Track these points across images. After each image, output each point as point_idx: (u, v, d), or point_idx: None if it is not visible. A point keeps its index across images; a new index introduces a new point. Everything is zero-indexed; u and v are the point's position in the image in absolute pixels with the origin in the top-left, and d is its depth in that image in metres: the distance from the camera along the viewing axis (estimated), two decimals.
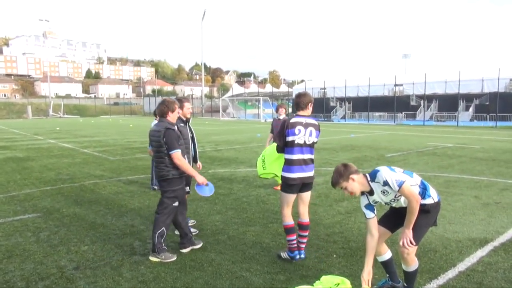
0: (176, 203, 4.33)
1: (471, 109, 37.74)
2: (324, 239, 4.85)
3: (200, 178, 4.38)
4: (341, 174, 3.17)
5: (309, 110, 4.19)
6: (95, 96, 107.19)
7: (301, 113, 4.18)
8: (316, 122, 4.22)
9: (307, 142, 4.11)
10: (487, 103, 35.94)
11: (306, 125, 4.11)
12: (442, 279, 3.72)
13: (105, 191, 7.63)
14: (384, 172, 3.10)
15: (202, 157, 11.81)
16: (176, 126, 4.49)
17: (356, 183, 3.16)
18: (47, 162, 11.67)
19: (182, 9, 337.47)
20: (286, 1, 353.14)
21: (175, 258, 4.22)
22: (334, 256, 4.31)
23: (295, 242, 4.16)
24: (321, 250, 4.49)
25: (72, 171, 10.02)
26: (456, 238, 4.83)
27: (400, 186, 3.02)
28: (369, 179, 3.18)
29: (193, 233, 5.00)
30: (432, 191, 3.24)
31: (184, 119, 5.18)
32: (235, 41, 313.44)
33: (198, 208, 6.31)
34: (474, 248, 4.52)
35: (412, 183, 3.13)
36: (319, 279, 3.38)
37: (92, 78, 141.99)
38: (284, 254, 4.21)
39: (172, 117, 4.41)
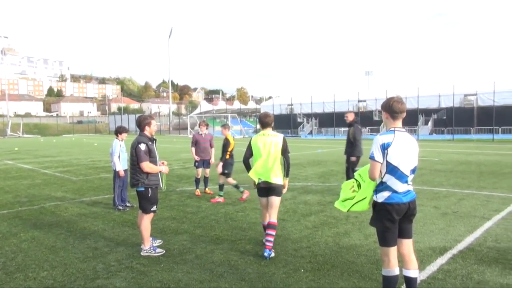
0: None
1: (430, 123, 39.63)
2: (292, 254, 4.89)
3: None
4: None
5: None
6: (57, 114, 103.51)
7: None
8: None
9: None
10: (444, 117, 37.87)
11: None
12: None
13: (66, 213, 7.34)
14: (375, 139, 3.38)
15: (170, 175, 11.63)
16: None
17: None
18: (4, 184, 11.09)
19: (149, 26, 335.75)
20: (252, 19, 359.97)
21: None
22: (302, 270, 4.35)
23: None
24: (289, 265, 4.52)
25: (31, 193, 9.57)
26: (418, 248, 5.00)
27: (370, 157, 3.30)
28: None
29: (159, 254, 4.91)
30: (383, 194, 3.28)
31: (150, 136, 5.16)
32: (203, 58, 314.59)
33: (165, 228, 6.19)
34: (434, 256, 4.70)
35: (380, 169, 3.27)
36: None
37: (54, 96, 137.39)
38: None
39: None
